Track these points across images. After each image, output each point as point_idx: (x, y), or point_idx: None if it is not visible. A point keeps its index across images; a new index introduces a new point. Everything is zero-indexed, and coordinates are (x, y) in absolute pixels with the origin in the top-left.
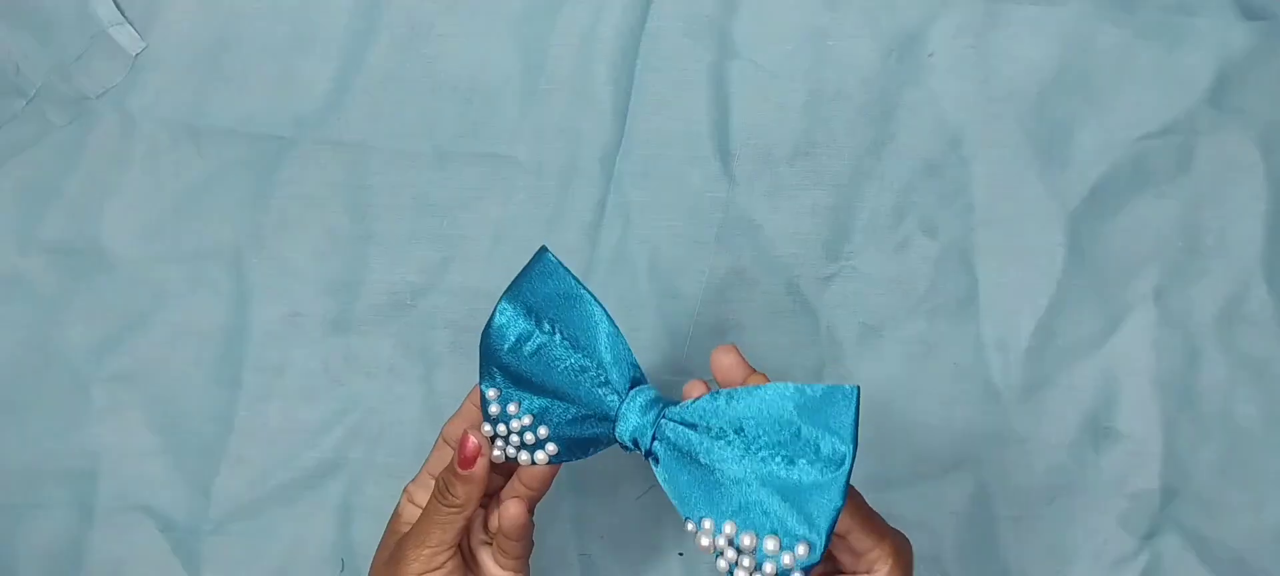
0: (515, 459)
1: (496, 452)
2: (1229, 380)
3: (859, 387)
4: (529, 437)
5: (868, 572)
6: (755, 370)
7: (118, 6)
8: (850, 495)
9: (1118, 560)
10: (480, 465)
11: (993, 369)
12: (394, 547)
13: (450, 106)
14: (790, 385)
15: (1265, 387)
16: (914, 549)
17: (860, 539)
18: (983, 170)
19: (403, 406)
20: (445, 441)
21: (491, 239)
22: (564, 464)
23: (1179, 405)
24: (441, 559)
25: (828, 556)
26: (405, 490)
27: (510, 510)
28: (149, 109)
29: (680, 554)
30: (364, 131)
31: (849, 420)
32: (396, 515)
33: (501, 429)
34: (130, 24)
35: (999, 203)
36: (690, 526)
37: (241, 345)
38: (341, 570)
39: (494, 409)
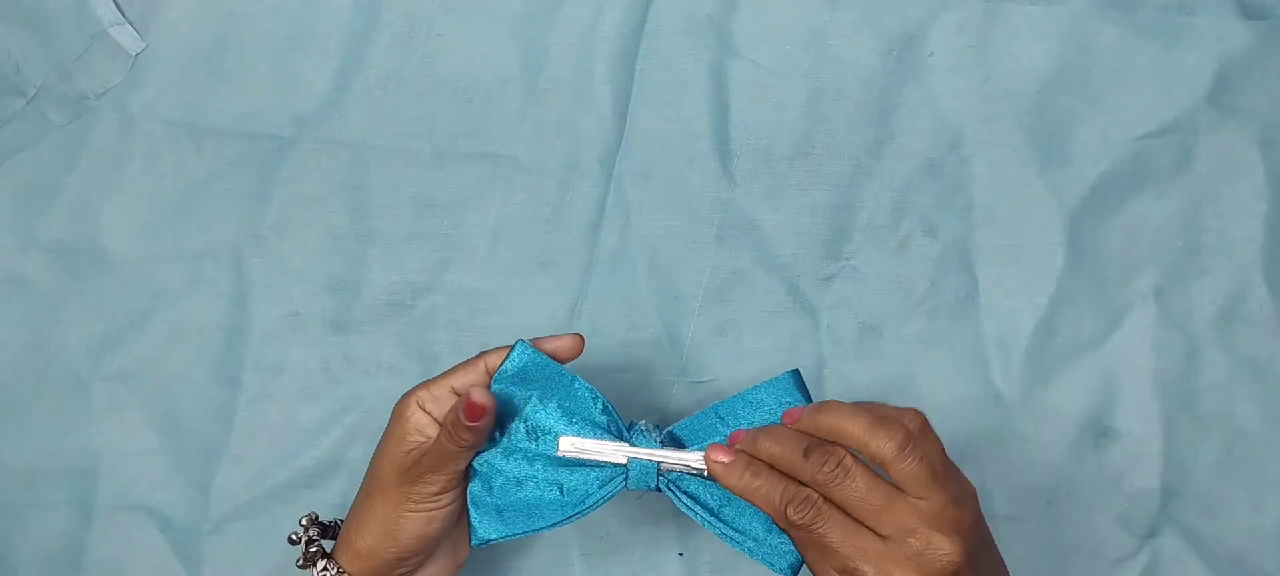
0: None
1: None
2: (1229, 380)
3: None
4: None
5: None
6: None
7: (118, 6)
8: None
9: (1118, 560)
10: (486, 420)
11: (993, 369)
12: (409, 462)
13: (450, 106)
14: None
15: (1265, 387)
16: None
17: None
18: (983, 170)
19: None
20: (488, 369)
21: (491, 239)
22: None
23: (1179, 405)
24: (456, 481)
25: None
26: (415, 395)
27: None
28: (149, 109)
29: (680, 554)
30: (364, 131)
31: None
32: (402, 418)
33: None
34: (130, 24)
35: (999, 202)
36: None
37: (241, 345)
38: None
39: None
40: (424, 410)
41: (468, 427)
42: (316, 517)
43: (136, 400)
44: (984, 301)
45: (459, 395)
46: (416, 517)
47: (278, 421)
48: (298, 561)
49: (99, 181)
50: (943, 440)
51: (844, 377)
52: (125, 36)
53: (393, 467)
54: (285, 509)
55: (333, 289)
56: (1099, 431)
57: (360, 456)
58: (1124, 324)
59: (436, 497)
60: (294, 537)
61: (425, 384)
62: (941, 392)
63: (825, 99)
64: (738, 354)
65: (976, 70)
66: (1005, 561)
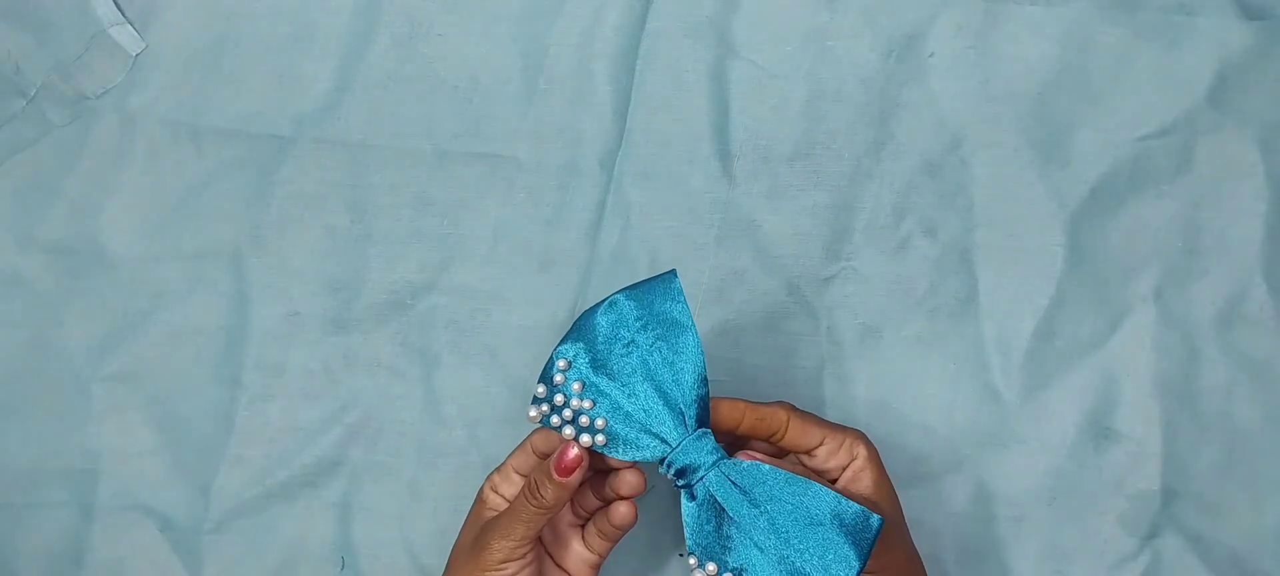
0: (558, 431)
1: (535, 412)
2: (1229, 380)
3: (883, 521)
4: (583, 420)
5: (852, 458)
6: (762, 404)
7: (118, 6)
8: (793, 410)
9: (1118, 560)
10: (577, 476)
11: (993, 369)
12: (479, 533)
13: (450, 106)
14: (831, 493)
15: (1265, 388)
16: (911, 538)
17: (828, 441)
18: (983, 170)
19: (402, 406)
20: (533, 449)
21: (491, 239)
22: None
23: (1179, 405)
24: (523, 550)
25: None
26: (489, 478)
27: (622, 510)
28: (149, 109)
29: (681, 554)
30: (364, 131)
31: (866, 545)
32: (480, 501)
33: (559, 399)
34: (130, 24)
35: (999, 203)
36: (692, 561)
37: (241, 345)
38: (341, 568)
39: (558, 377)
40: (496, 492)
41: (556, 484)
42: None
43: (136, 400)
44: (984, 302)
45: (523, 476)
46: None
47: (278, 421)
48: None
49: (99, 181)
50: (943, 441)
51: (843, 378)
52: (125, 36)
53: (466, 540)
54: (285, 508)
55: (333, 289)
56: (1099, 432)
57: (360, 456)
58: (1124, 325)
59: (501, 566)
60: None
61: (497, 469)
62: (941, 393)
63: (825, 99)
64: (738, 354)
65: (976, 71)
66: (1006, 563)
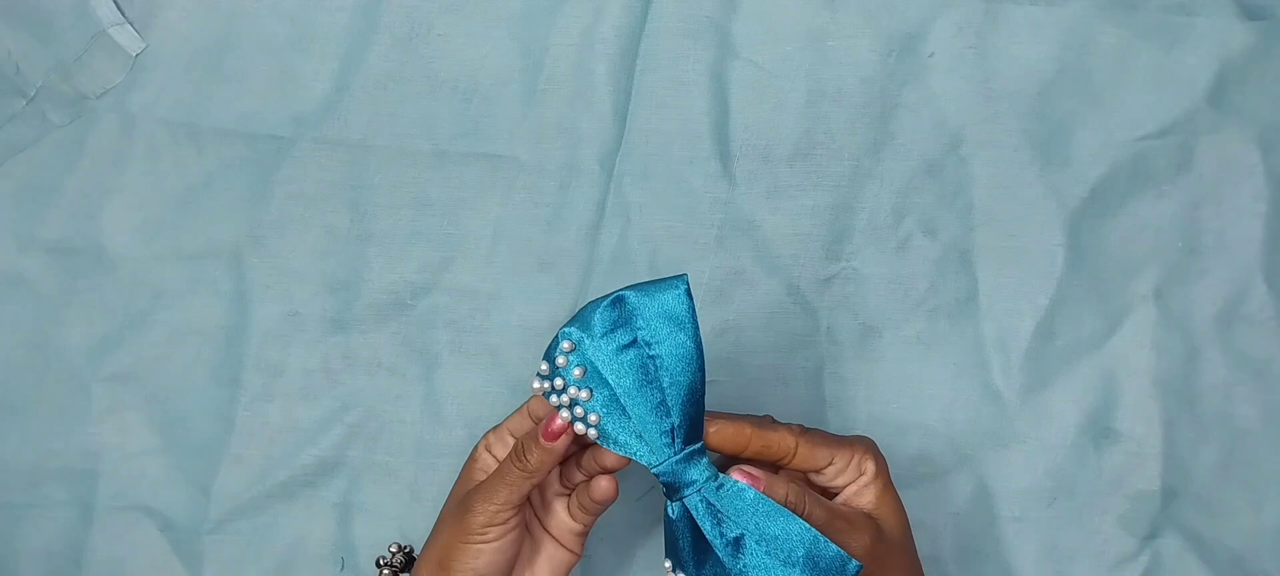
0: (556, 409)
1: (538, 385)
2: (1229, 380)
3: (861, 567)
4: (578, 411)
5: (860, 475)
6: (749, 419)
7: (118, 6)
8: (802, 434)
9: (1118, 560)
10: (562, 442)
11: (993, 369)
12: (464, 497)
13: (449, 106)
14: (810, 531)
15: (1265, 387)
16: (916, 549)
17: (837, 459)
18: (983, 170)
19: (402, 406)
20: (530, 413)
21: (491, 239)
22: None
23: (1179, 405)
24: (506, 514)
25: (820, 488)
26: (484, 438)
27: (603, 484)
28: (149, 109)
29: None
30: (363, 131)
31: None
32: (472, 461)
33: (559, 382)
34: (130, 24)
35: (999, 203)
36: (668, 564)
37: (241, 345)
38: (341, 569)
39: (561, 360)
40: (490, 452)
41: (542, 448)
42: (409, 550)
43: (136, 400)
44: (984, 302)
45: (514, 437)
46: (466, 550)
47: (278, 421)
48: None
49: (99, 181)
50: (943, 441)
51: (844, 378)
52: (125, 36)
53: (453, 501)
54: (285, 508)
55: (333, 289)
56: (1099, 432)
57: (360, 456)
58: (1124, 325)
59: (484, 531)
60: (379, 561)
61: (494, 428)
62: (941, 393)
63: (825, 99)
64: (738, 354)
65: (976, 70)
66: (1007, 563)
